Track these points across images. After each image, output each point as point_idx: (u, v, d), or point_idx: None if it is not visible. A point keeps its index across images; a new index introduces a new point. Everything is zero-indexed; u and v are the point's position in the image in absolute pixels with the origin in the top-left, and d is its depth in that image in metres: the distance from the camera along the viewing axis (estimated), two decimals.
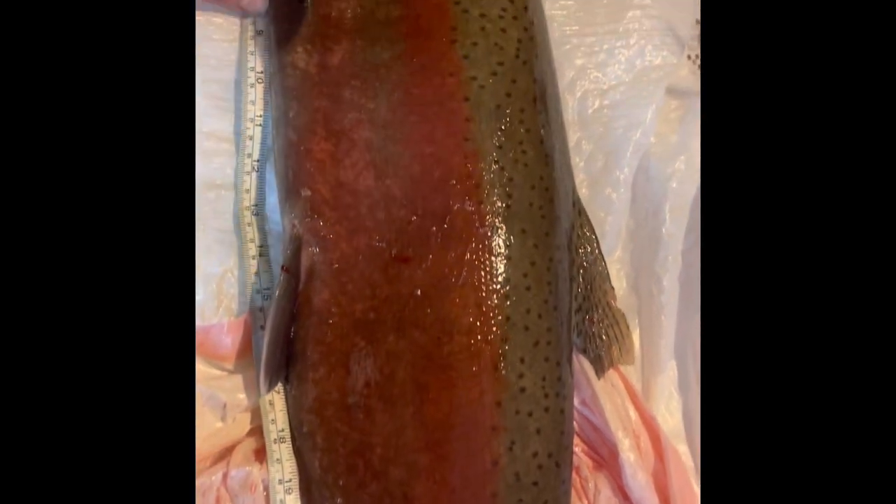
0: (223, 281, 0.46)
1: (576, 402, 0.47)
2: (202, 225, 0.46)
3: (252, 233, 0.46)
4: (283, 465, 0.43)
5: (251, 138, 0.47)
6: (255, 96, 0.47)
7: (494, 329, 0.41)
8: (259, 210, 0.47)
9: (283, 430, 0.43)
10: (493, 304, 0.41)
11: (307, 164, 0.43)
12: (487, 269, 0.41)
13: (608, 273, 0.47)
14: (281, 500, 0.41)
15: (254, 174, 0.47)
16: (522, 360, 0.41)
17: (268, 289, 0.45)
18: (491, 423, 0.41)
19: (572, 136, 0.50)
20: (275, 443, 0.42)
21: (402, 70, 0.43)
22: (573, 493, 0.46)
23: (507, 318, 0.41)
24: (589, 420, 0.47)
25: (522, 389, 0.41)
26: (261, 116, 0.47)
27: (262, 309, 0.44)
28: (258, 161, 0.47)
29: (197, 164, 0.46)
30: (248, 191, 0.47)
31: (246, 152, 0.47)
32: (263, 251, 0.46)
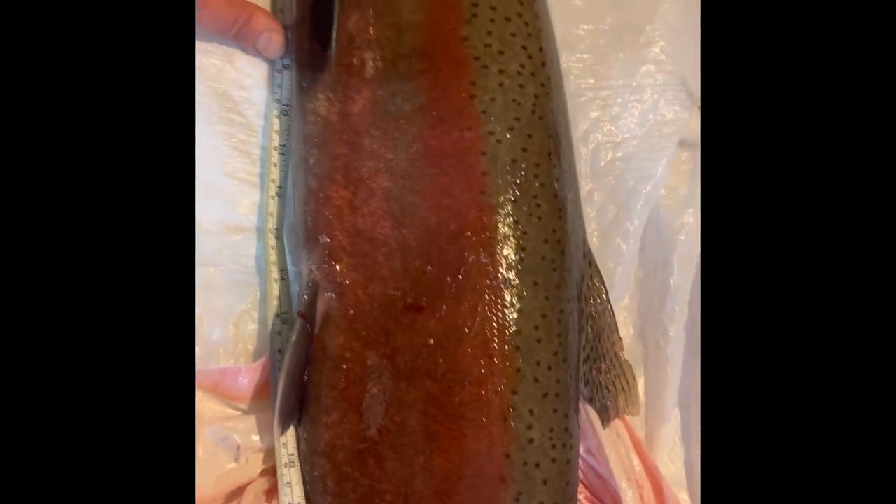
0: (241, 321, 0.47)
1: (581, 450, 0.47)
2: (223, 266, 0.47)
3: (274, 256, 0.47)
4: (293, 490, 0.43)
5: (275, 165, 0.48)
6: (280, 126, 0.48)
7: (505, 380, 0.42)
8: (280, 234, 0.48)
9: (293, 455, 0.43)
10: (504, 356, 0.42)
11: (326, 211, 0.44)
12: (499, 321, 0.42)
13: (616, 324, 0.48)
14: None
15: (276, 199, 0.48)
16: (531, 412, 0.42)
17: (286, 314, 0.46)
18: (499, 475, 0.41)
19: (584, 187, 0.51)
20: (285, 466, 0.43)
21: (421, 122, 0.44)
22: None
23: (518, 370, 0.42)
24: (594, 468, 0.48)
25: (531, 441, 0.42)
26: (284, 146, 0.48)
27: (280, 351, 0.45)
28: (281, 187, 0.48)
29: (222, 206, 0.47)
30: (271, 214, 0.47)
31: (270, 177, 0.48)
32: (284, 276, 0.47)
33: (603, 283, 0.48)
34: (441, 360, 0.42)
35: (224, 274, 0.47)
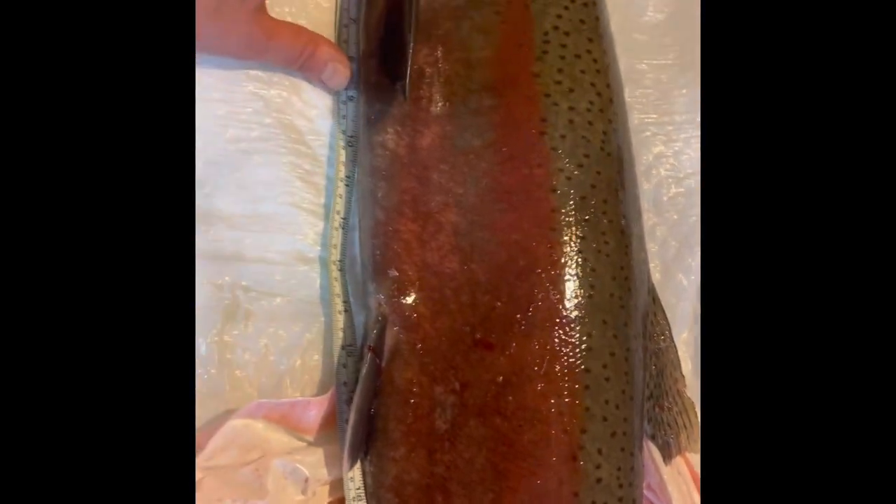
0: (307, 352, 0.47)
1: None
2: (290, 297, 0.47)
3: (338, 288, 0.47)
4: None
5: (340, 196, 0.48)
6: (346, 157, 0.48)
7: (574, 419, 0.42)
8: (343, 266, 0.48)
9: (360, 489, 0.43)
10: (574, 394, 0.42)
11: (394, 244, 0.44)
12: (569, 359, 0.42)
13: (679, 361, 0.48)
14: None
15: (340, 231, 0.48)
16: (600, 451, 0.42)
17: (351, 345, 0.46)
18: None
19: (647, 222, 0.51)
20: (353, 501, 0.43)
21: (491, 158, 0.44)
22: None
23: (587, 409, 0.42)
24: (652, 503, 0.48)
25: (599, 480, 0.42)
26: (350, 177, 0.48)
27: (345, 383, 0.45)
28: (344, 219, 0.48)
29: (288, 237, 0.47)
30: (335, 246, 0.48)
31: (335, 209, 0.48)
32: (347, 307, 0.47)
33: (666, 319, 0.48)
34: (510, 398, 0.42)
35: (291, 304, 0.47)
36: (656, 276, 0.50)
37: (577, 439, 0.42)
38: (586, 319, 0.43)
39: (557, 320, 0.42)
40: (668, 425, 0.47)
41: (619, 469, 0.43)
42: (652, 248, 0.51)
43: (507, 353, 0.42)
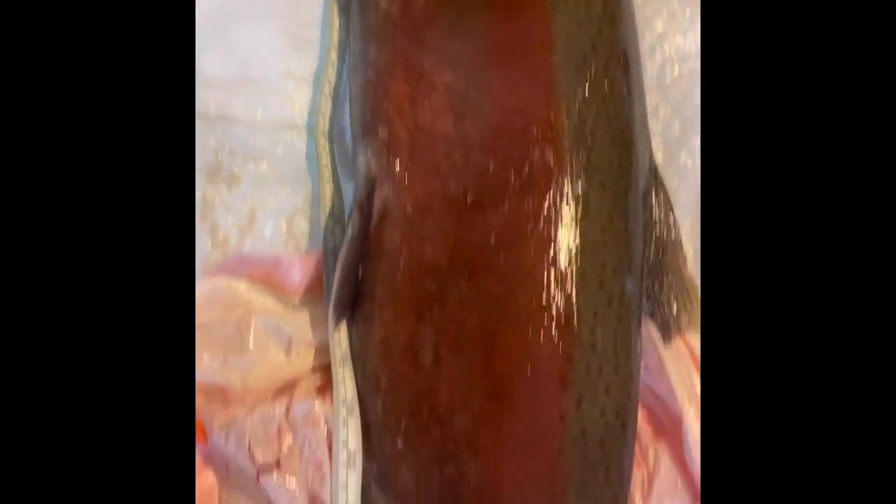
0: (294, 218, 0.46)
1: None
2: (277, 163, 0.46)
3: (326, 158, 0.46)
4: (347, 387, 0.42)
5: (332, 64, 0.46)
6: (340, 25, 0.47)
7: (569, 282, 0.40)
8: (331, 136, 0.46)
9: (346, 352, 0.42)
10: (569, 257, 0.40)
11: (385, 104, 0.43)
12: (565, 220, 0.40)
13: (681, 240, 0.46)
14: (344, 420, 0.40)
15: (330, 100, 0.46)
16: (595, 316, 0.40)
17: (339, 214, 0.44)
18: (560, 377, 0.40)
19: (650, 101, 0.49)
20: (339, 364, 0.41)
21: (488, 16, 0.42)
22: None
23: (583, 273, 0.40)
24: (651, 389, 0.46)
25: (593, 345, 0.40)
26: (342, 45, 0.47)
27: (333, 250, 0.44)
28: (335, 87, 0.47)
29: (278, 103, 0.46)
30: (323, 115, 0.46)
31: (326, 77, 0.46)
32: (335, 178, 0.46)
33: (668, 197, 0.46)
34: (503, 259, 0.40)
35: (277, 170, 0.46)
36: (658, 157, 0.49)
37: (572, 302, 0.40)
38: (583, 182, 0.41)
39: (553, 181, 0.41)
40: (668, 305, 0.45)
41: (615, 337, 0.41)
42: (654, 127, 0.49)
43: (500, 213, 0.40)
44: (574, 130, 0.41)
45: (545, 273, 0.40)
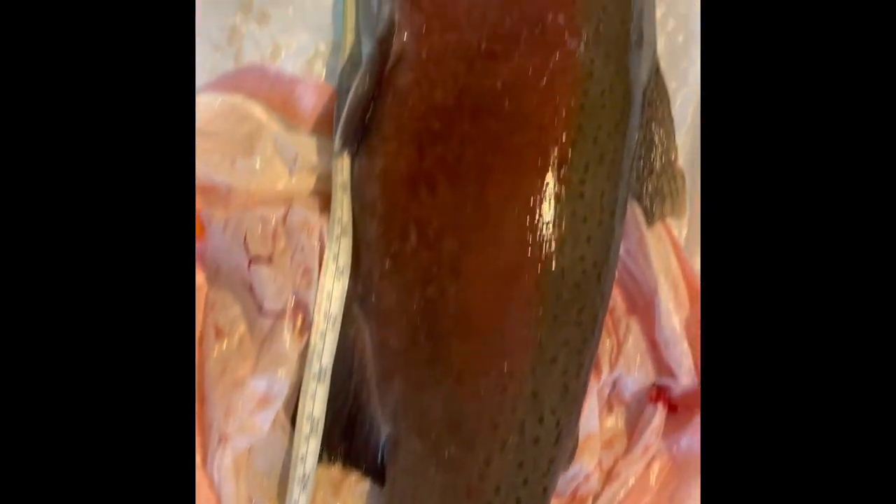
0: (314, 61, 0.48)
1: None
2: (302, 10, 0.48)
3: (351, 7, 0.48)
4: (344, 209, 0.44)
5: None
6: None
7: (566, 133, 0.42)
8: None
9: (346, 179, 0.44)
10: (569, 110, 0.43)
11: None
12: (569, 78, 0.43)
13: (674, 132, 0.48)
14: (337, 237, 0.42)
15: None
16: (586, 168, 0.43)
17: (357, 62, 0.47)
18: (547, 216, 0.42)
19: (658, 10, 0.52)
20: (340, 189, 0.44)
21: None
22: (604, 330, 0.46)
23: (580, 127, 0.43)
24: (629, 269, 0.48)
25: (581, 195, 0.43)
26: None
27: (347, 90, 0.46)
28: None
29: None
30: None
31: None
32: (357, 28, 0.48)
33: (666, 93, 0.49)
34: (507, 103, 0.43)
35: (304, 15, 0.48)
36: (662, 64, 0.51)
37: (567, 151, 0.42)
38: (591, 46, 0.44)
39: (563, 41, 0.43)
40: (656, 189, 0.48)
41: (602, 194, 0.43)
42: (660, 34, 0.52)
43: (510, 63, 0.43)
44: (588, 1, 0.44)
45: (544, 121, 0.42)
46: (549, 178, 0.42)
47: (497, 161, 0.42)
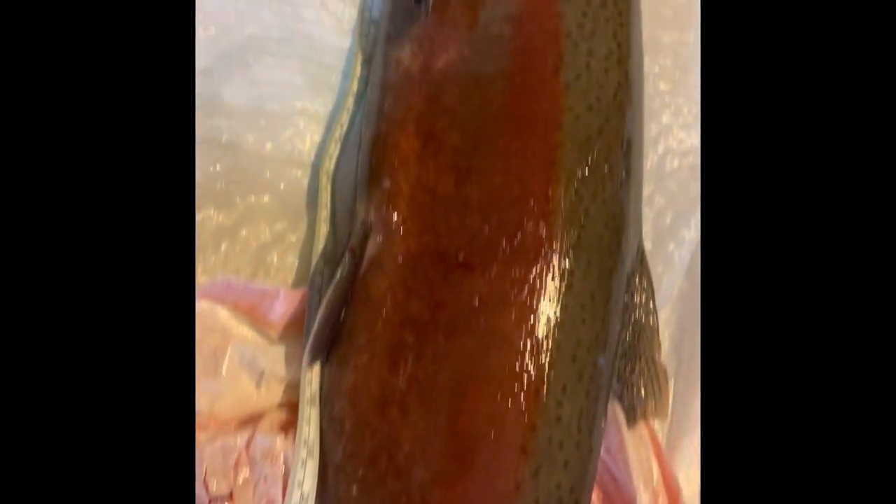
0: (286, 252, 0.47)
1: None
2: (278, 197, 0.47)
3: (326, 198, 0.47)
4: (311, 428, 0.42)
5: (348, 110, 0.48)
6: (361, 74, 0.48)
7: (543, 353, 0.41)
8: (335, 179, 0.47)
9: (315, 392, 0.42)
10: (548, 329, 0.41)
11: (392, 156, 0.44)
12: (548, 293, 0.41)
13: (658, 327, 0.47)
14: (302, 461, 0.41)
15: (339, 143, 0.48)
16: (564, 390, 0.41)
17: (331, 253, 0.45)
18: (522, 445, 0.40)
19: (647, 189, 0.50)
20: (307, 403, 0.42)
21: (503, 86, 0.44)
22: None
23: (558, 346, 0.41)
24: (609, 470, 0.47)
25: (559, 418, 0.41)
26: (361, 94, 0.48)
27: (319, 289, 0.44)
28: (346, 132, 0.48)
29: (288, 139, 0.47)
30: (331, 157, 0.47)
31: (340, 121, 0.47)
32: (333, 220, 0.47)
33: (651, 283, 0.47)
34: (483, 321, 0.41)
35: (278, 204, 0.47)
36: (647, 245, 0.50)
37: (544, 373, 0.41)
38: (572, 257, 0.42)
39: (542, 254, 0.42)
40: (638, 388, 0.46)
41: (580, 414, 0.42)
42: (647, 214, 0.50)
43: (487, 276, 0.41)
44: (569, 208, 0.42)
45: (521, 341, 0.41)
46: (525, 404, 0.40)
47: (471, 385, 0.41)
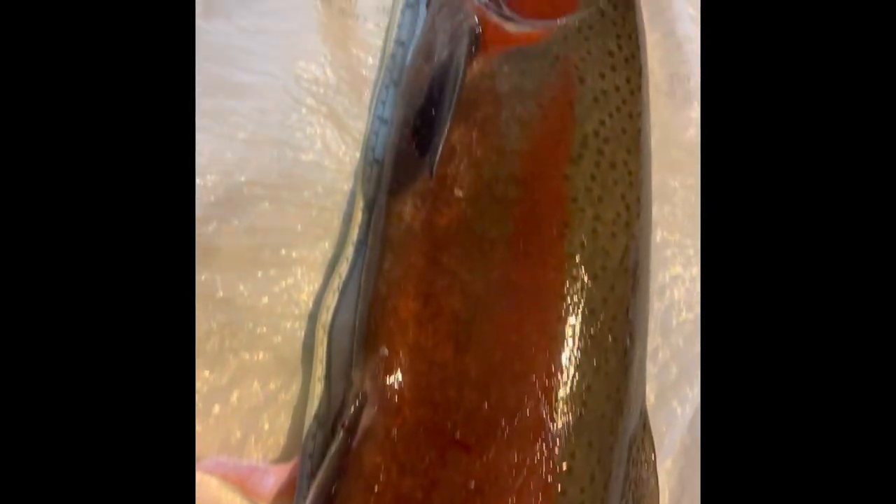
0: (280, 413, 0.45)
1: None
2: (273, 352, 0.46)
3: (322, 353, 0.46)
4: None
5: (347, 259, 0.46)
6: (362, 221, 0.47)
7: None
8: (331, 332, 0.46)
9: None
10: None
11: (391, 321, 0.43)
12: (548, 477, 0.40)
13: (658, 493, 0.46)
14: None
15: (338, 294, 0.46)
16: None
17: (324, 416, 0.44)
18: None
19: (651, 343, 0.49)
20: None
21: (505, 251, 0.42)
22: None
23: None
24: None
25: None
26: (362, 242, 0.47)
27: (311, 456, 0.43)
28: (345, 283, 0.47)
29: (286, 288, 0.46)
30: (328, 308, 0.46)
31: (339, 271, 0.46)
32: (328, 375, 0.45)
33: (653, 447, 0.46)
34: None
35: (272, 361, 0.46)
36: (650, 400, 0.49)
37: None
38: (572, 438, 0.41)
39: (542, 434, 0.40)
40: None
41: None
42: (651, 370, 0.49)
43: (484, 458, 0.40)
44: (572, 384, 0.41)
45: None
46: None
47: None
